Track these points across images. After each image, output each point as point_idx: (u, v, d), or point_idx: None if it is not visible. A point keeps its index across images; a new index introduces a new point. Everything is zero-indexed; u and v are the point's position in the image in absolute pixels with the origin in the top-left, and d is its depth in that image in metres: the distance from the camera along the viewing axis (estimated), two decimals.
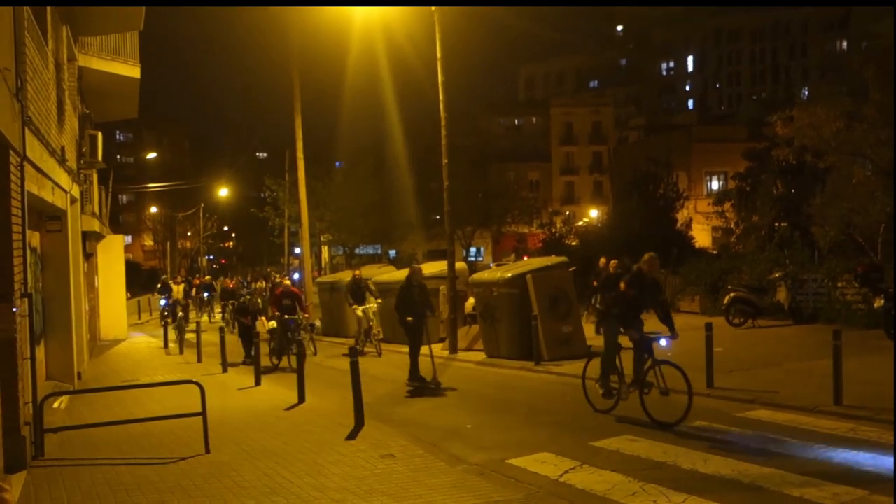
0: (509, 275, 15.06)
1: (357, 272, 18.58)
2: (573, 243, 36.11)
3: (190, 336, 20.88)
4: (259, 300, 17.92)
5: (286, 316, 15.85)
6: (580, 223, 51.08)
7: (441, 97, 16.61)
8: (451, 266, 16.61)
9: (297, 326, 15.85)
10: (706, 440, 8.39)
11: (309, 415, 10.51)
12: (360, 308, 17.54)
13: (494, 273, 16.11)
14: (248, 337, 16.94)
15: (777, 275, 17.81)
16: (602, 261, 17.36)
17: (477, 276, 16.72)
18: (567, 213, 61.54)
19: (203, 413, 8.37)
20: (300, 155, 24.16)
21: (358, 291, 17.74)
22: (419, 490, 6.91)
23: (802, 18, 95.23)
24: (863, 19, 64.84)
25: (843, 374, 9.59)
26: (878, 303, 14.24)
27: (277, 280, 22.15)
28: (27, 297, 8.32)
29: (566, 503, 6.55)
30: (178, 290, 27.48)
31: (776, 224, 22.53)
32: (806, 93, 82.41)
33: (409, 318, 12.60)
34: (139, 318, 34.80)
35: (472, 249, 54.69)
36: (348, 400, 9.76)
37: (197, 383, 8.44)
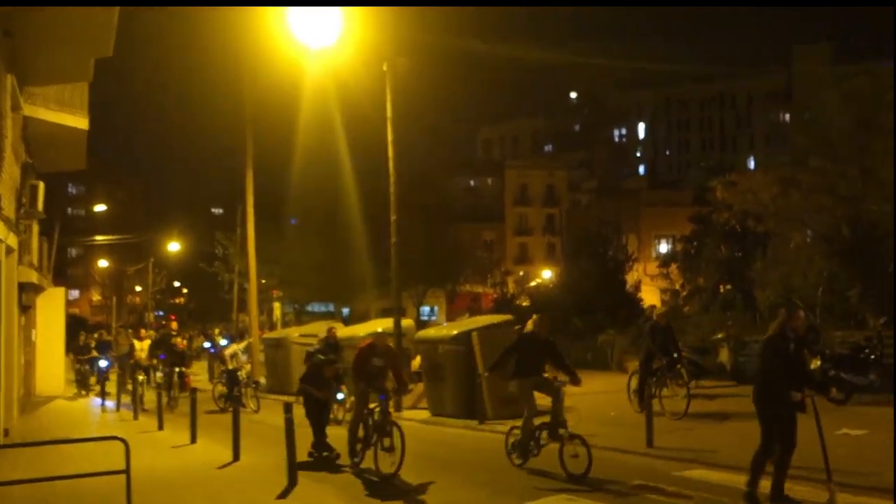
0: (455, 332, 15.02)
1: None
2: (524, 303, 36.32)
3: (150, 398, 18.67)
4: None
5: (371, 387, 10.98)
6: (532, 283, 51.45)
7: (391, 153, 16.76)
8: (398, 323, 16.52)
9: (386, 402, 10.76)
10: (641, 500, 8.35)
11: (242, 473, 10.21)
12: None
13: (440, 330, 16.08)
14: (320, 416, 11.67)
15: (720, 336, 18.06)
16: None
17: (423, 333, 16.64)
18: (521, 273, 61.98)
19: (126, 471, 8.04)
20: (250, 210, 24.03)
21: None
22: None
23: (747, 90, 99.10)
24: (804, 91, 67.78)
25: None
26: (815, 363, 14.49)
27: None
28: None
29: None
30: (141, 346, 21.89)
31: (720, 286, 23.02)
32: (752, 161, 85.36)
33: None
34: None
35: (426, 308, 54.53)
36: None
37: (122, 439, 8.13)
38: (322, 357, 12.97)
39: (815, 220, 16.54)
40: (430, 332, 16.55)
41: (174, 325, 26.10)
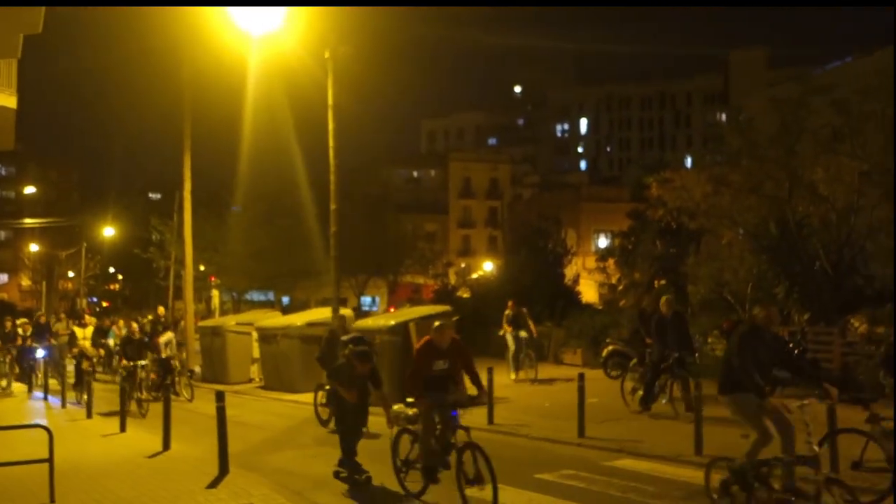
0: (392, 322, 15.03)
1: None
2: (465, 295, 36.50)
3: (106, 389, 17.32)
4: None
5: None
6: (474, 276, 51.71)
7: (331, 143, 16.65)
8: (336, 311, 16.45)
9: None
10: (569, 488, 8.53)
11: (172, 462, 10.07)
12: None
13: (378, 320, 16.08)
14: (355, 424, 9.23)
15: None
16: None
17: (360, 323, 16.60)
18: (463, 265, 62.29)
19: (50, 459, 7.88)
20: (187, 195, 23.59)
21: None
22: None
23: (686, 91, 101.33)
24: (739, 94, 69.64)
25: (703, 424, 9.99)
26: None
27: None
28: None
29: None
30: (84, 334, 20.36)
31: (655, 281, 23.52)
32: (689, 160, 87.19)
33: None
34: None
35: (367, 299, 54.38)
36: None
37: (45, 427, 7.97)
38: (358, 348, 9.66)
39: (745, 219, 17.04)
40: (367, 322, 16.53)
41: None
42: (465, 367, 8.51)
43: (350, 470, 9.05)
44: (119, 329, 22.37)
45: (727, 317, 16.40)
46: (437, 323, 8.73)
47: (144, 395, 15.80)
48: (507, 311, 18.62)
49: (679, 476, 8.93)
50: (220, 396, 9.52)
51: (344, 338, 11.73)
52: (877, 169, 15.24)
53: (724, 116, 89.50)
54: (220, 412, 9.20)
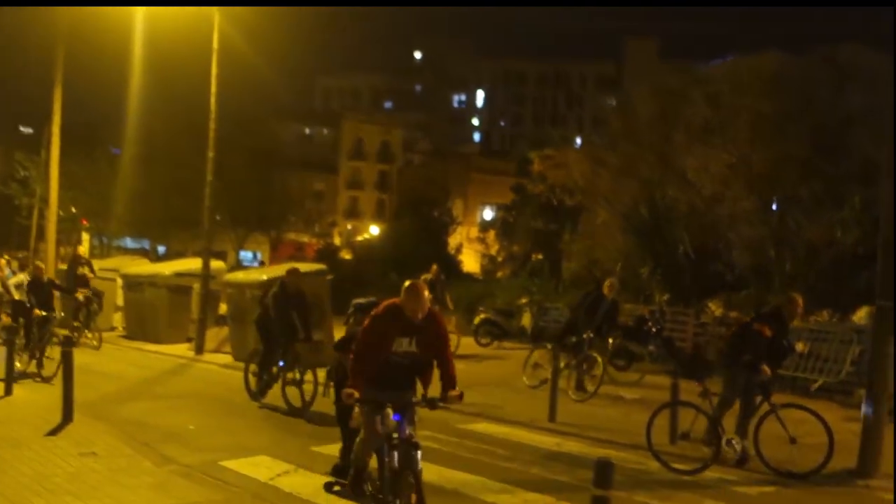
0: (264, 277, 14.70)
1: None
2: (347, 257, 36.32)
3: None
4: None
5: None
6: (360, 238, 51.48)
7: (213, 89, 16.01)
8: (206, 264, 15.98)
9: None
10: (425, 449, 8.63)
11: (12, 409, 9.55)
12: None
13: (249, 274, 15.73)
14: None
15: (524, 301, 18.98)
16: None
17: (231, 276, 16.20)
18: (350, 227, 61.79)
19: None
20: (56, 130, 22.17)
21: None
22: (113, 490, 6.47)
23: (580, 72, 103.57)
24: (631, 80, 71.79)
25: (557, 394, 10.35)
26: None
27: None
28: None
29: None
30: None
31: (532, 255, 24.16)
32: (579, 140, 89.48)
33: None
34: None
35: (249, 254, 53.10)
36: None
37: None
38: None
39: (619, 200, 17.68)
40: (238, 276, 16.13)
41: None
42: (438, 355, 5.83)
43: (354, 484, 6.18)
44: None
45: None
46: (414, 281, 5.70)
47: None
48: (427, 276, 16.51)
49: (532, 441, 9.23)
50: (67, 341, 9.08)
51: (358, 300, 7.28)
52: (743, 162, 16.08)
53: (615, 101, 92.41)
54: (66, 357, 8.76)
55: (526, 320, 18.64)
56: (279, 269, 15.65)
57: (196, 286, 16.95)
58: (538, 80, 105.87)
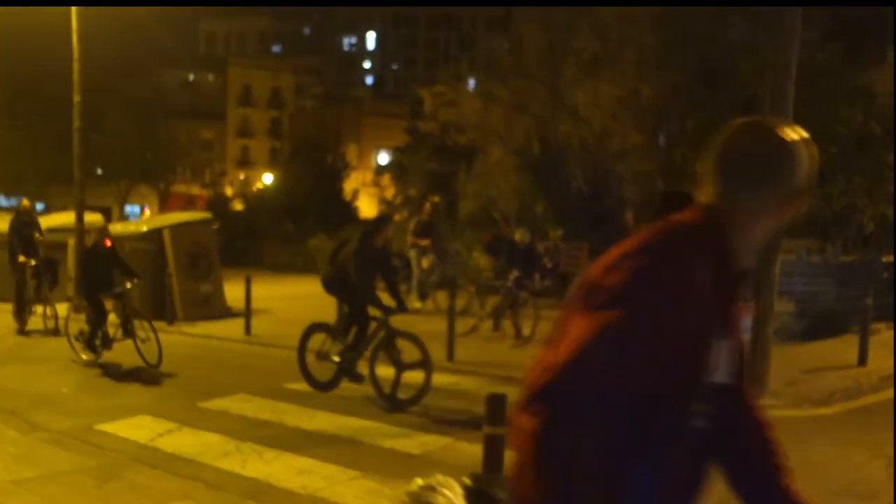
0: (144, 228, 13.92)
1: None
2: (239, 207, 35.16)
3: None
4: None
5: None
6: (254, 188, 49.91)
7: (74, 26, 14.73)
8: (80, 217, 14.93)
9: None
10: (318, 398, 8.36)
11: None
12: None
13: (128, 226, 14.83)
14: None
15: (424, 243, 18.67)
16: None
17: (111, 228, 15.16)
18: (242, 176, 59.78)
19: None
20: None
21: None
22: None
23: (471, 14, 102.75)
24: (521, 19, 72.08)
25: (455, 333, 10.23)
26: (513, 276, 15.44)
27: None
28: None
29: (147, 468, 5.99)
30: None
31: (427, 197, 23.86)
32: (472, 83, 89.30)
33: None
34: None
35: (136, 208, 50.71)
36: None
37: None
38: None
39: (511, 136, 17.54)
40: (117, 228, 15.11)
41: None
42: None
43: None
44: None
45: (490, 231, 16.95)
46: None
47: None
48: (422, 217, 14.94)
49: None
50: None
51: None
52: (631, 95, 16.17)
53: (507, 44, 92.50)
54: None
55: (426, 263, 18.39)
56: (161, 220, 14.87)
57: (71, 242, 15.86)
58: (429, 22, 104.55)
